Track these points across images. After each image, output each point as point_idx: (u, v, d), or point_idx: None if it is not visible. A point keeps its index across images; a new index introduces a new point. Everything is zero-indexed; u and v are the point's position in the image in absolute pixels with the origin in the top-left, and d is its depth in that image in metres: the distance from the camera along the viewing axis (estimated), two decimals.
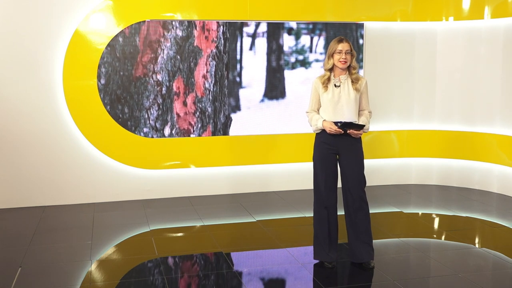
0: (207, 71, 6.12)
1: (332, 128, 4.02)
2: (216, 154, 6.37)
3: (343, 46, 4.04)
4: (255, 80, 6.38)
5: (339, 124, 4.02)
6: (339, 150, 4.12)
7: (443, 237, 5.09)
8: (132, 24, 5.86)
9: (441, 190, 6.71)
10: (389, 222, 5.42)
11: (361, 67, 6.62)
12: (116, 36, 5.85)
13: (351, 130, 4.03)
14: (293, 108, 6.51)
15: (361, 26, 6.60)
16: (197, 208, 5.86)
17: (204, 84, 6.13)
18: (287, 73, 6.48)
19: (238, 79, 6.31)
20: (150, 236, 4.97)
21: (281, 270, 4.20)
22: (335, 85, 4.10)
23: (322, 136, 4.14)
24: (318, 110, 4.19)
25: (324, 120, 4.09)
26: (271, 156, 6.55)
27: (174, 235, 5.15)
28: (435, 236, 5.14)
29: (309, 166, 6.62)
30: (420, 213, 5.82)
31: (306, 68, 6.50)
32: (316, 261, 4.27)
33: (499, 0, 6.26)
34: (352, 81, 4.11)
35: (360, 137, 4.15)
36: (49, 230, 5.17)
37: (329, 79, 4.12)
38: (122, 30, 5.81)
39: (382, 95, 6.71)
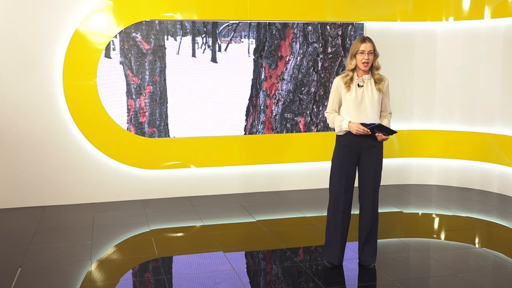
0: None
1: (359, 128, 3.89)
2: (216, 154, 6.37)
3: (366, 46, 3.91)
4: None
5: (367, 123, 3.89)
6: (361, 151, 4.01)
7: (443, 237, 5.10)
8: None
9: (441, 190, 6.70)
10: (389, 222, 5.41)
11: None
12: None
13: (379, 134, 3.92)
14: None
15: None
16: (197, 208, 5.86)
17: None
18: None
19: None
20: (150, 236, 4.97)
21: (281, 270, 4.20)
22: (358, 85, 3.98)
23: (345, 139, 4.01)
24: (338, 110, 4.08)
25: (350, 121, 3.96)
26: (272, 157, 6.55)
27: (174, 235, 5.15)
28: (435, 236, 5.14)
29: (309, 166, 6.68)
30: (420, 213, 5.82)
31: None
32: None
33: (499, 0, 6.26)
34: (375, 81, 3.99)
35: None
36: (49, 230, 5.16)
37: (351, 79, 3.99)
38: None
39: None
